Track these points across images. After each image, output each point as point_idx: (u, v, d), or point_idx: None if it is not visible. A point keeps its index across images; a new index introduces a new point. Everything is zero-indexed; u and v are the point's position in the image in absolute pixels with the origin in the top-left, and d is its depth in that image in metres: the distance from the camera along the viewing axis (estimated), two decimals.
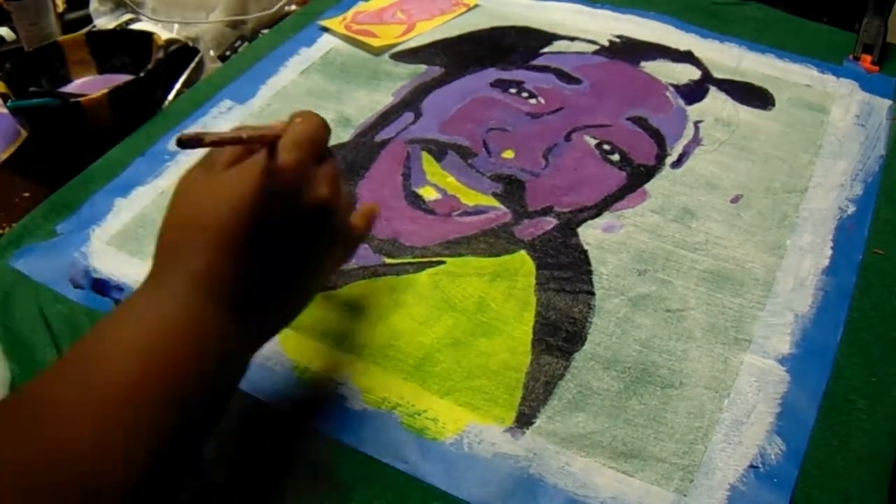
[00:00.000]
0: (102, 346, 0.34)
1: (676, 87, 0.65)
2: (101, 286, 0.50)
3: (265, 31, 0.80)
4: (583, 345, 0.46)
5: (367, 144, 0.61)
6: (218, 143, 0.34)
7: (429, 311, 0.48)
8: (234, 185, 0.35)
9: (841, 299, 0.48)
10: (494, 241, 0.52)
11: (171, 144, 0.61)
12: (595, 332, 0.46)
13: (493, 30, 0.74)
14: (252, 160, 0.35)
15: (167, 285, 0.35)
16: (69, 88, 0.71)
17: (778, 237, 0.52)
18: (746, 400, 0.43)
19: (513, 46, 0.71)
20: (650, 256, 0.51)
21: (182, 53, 0.77)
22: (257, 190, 0.34)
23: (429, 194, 0.55)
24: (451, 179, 0.56)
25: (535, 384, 0.44)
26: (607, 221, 0.53)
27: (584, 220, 0.53)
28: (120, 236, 0.54)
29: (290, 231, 0.36)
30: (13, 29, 0.79)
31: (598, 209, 0.54)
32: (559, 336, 0.46)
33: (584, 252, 0.51)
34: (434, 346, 0.46)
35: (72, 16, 0.85)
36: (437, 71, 0.68)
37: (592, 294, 0.48)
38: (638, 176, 0.57)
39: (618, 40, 0.71)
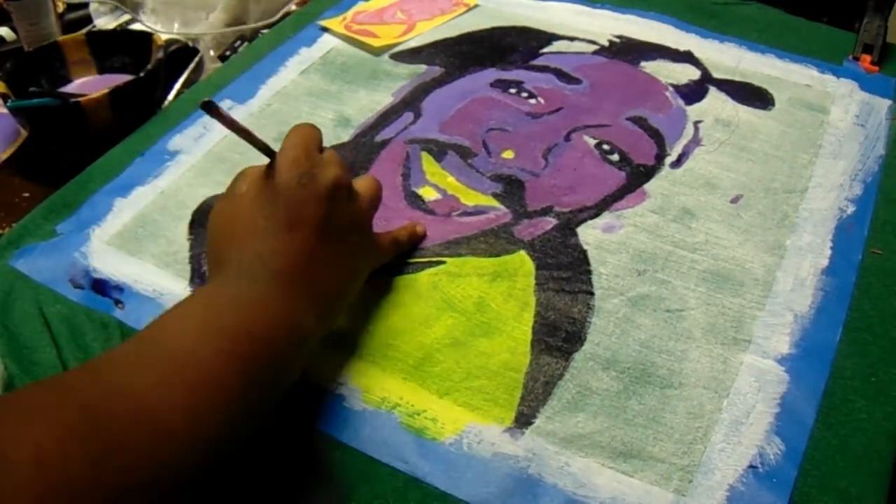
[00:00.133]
0: (167, 321, 0.36)
1: (676, 87, 0.65)
2: (101, 286, 0.50)
3: (265, 31, 0.80)
4: (582, 345, 0.46)
5: (367, 144, 0.61)
6: (233, 128, 0.39)
7: (428, 311, 0.48)
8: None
9: (840, 299, 0.48)
10: (494, 241, 0.52)
11: (172, 144, 0.62)
12: (594, 333, 0.46)
13: (493, 30, 0.74)
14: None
15: (235, 270, 0.39)
16: (69, 88, 0.71)
17: (778, 237, 0.52)
18: (746, 400, 0.43)
19: (513, 46, 0.71)
20: (650, 256, 0.51)
21: (182, 53, 0.77)
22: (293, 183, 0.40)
23: (429, 194, 0.55)
24: (450, 179, 0.56)
25: (535, 384, 0.44)
26: (607, 221, 0.53)
27: (584, 220, 0.53)
28: (120, 236, 0.54)
29: (324, 211, 0.40)
30: (13, 29, 0.79)
31: (597, 209, 0.54)
32: (558, 336, 0.46)
33: (584, 252, 0.51)
34: (433, 346, 0.46)
35: (72, 16, 0.85)
36: (437, 71, 0.68)
37: (592, 294, 0.49)
38: (637, 176, 0.57)
39: (618, 40, 0.71)
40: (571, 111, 0.62)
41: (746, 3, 0.77)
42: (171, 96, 0.72)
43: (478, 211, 0.54)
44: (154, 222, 0.55)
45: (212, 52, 0.78)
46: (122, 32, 0.79)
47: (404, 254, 0.51)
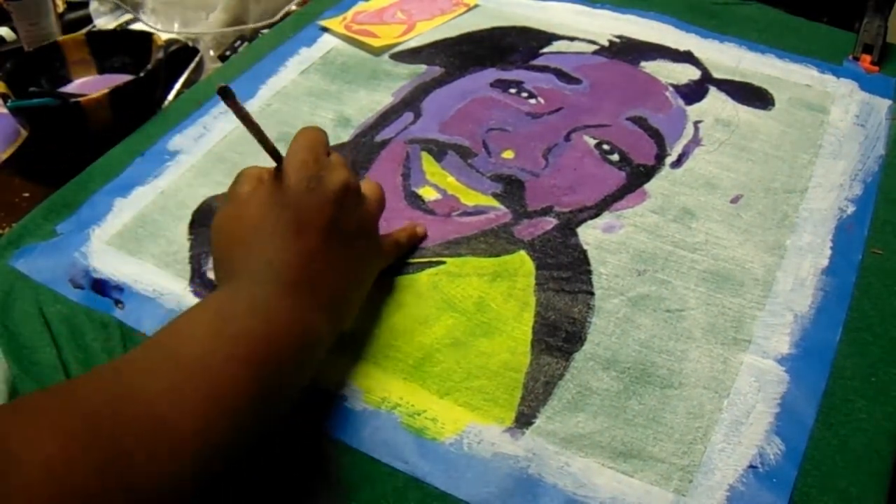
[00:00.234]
0: (178, 328, 0.36)
1: (676, 87, 0.65)
2: (101, 286, 0.50)
3: (265, 31, 0.80)
4: (582, 345, 0.46)
5: (367, 144, 0.61)
6: (245, 121, 0.38)
7: (428, 311, 0.48)
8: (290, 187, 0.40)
9: (840, 299, 0.48)
10: (494, 241, 0.52)
11: (172, 144, 0.62)
12: (594, 333, 0.46)
13: (493, 30, 0.74)
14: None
15: (245, 276, 0.39)
16: (69, 88, 0.71)
17: (778, 237, 0.52)
18: (746, 400, 0.43)
19: (513, 46, 0.71)
20: (650, 256, 0.51)
21: (182, 53, 0.77)
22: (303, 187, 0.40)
23: (429, 194, 0.55)
24: (450, 179, 0.56)
25: (535, 384, 0.44)
26: (607, 221, 0.53)
27: (584, 220, 0.53)
28: (120, 236, 0.54)
29: (332, 215, 0.40)
30: (13, 29, 0.79)
31: (597, 209, 0.54)
32: (559, 336, 0.46)
33: (584, 252, 0.51)
34: (434, 347, 0.46)
35: (72, 16, 0.85)
36: (437, 71, 0.68)
37: (592, 294, 0.49)
38: (637, 176, 0.57)
39: (618, 40, 0.71)
40: (571, 111, 0.62)
41: (746, 3, 0.77)
42: (171, 96, 0.72)
43: (478, 211, 0.54)
44: (154, 222, 0.55)
45: (212, 52, 0.78)
46: (122, 32, 0.79)
47: (404, 254, 0.51)
